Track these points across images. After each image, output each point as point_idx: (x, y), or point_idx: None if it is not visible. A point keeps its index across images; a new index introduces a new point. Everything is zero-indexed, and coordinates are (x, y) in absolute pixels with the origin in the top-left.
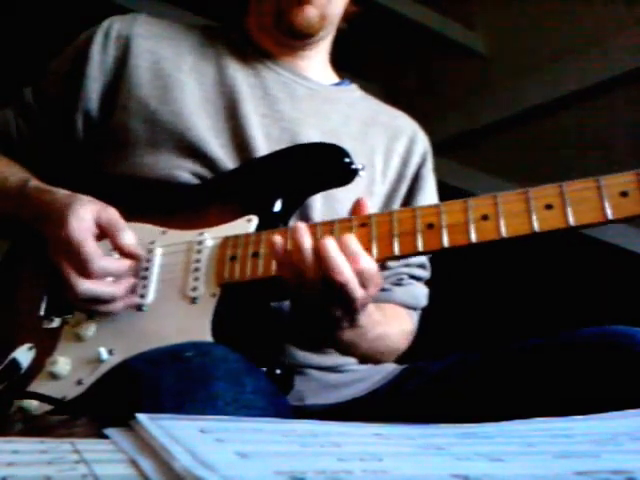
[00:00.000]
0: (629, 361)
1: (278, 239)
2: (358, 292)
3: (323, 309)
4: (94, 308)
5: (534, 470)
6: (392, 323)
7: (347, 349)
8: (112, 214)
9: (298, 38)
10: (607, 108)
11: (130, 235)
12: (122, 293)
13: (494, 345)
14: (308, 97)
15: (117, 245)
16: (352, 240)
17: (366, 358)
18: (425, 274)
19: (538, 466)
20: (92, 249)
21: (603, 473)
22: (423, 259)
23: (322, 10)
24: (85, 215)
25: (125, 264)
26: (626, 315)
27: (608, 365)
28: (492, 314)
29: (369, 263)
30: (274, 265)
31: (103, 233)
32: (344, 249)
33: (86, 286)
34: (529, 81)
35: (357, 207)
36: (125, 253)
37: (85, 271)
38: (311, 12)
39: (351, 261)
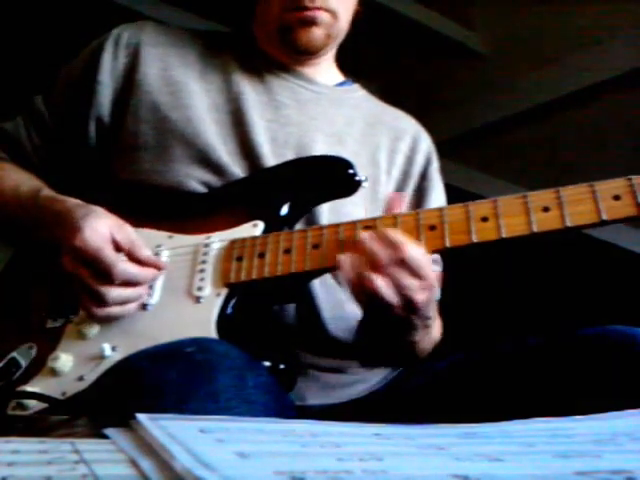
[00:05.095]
0: (629, 361)
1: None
2: (407, 280)
3: (388, 310)
4: (113, 313)
5: (534, 470)
6: (437, 327)
7: (412, 351)
8: (130, 231)
9: (303, 55)
10: (607, 108)
11: (149, 251)
12: (145, 295)
13: (494, 345)
14: (314, 101)
15: (139, 259)
16: (391, 230)
17: (412, 358)
18: (438, 268)
19: (538, 466)
20: (112, 254)
21: (603, 473)
22: (436, 255)
23: (328, 29)
24: (102, 227)
25: (148, 271)
26: (626, 315)
27: (608, 365)
28: (492, 314)
29: (414, 250)
30: (280, 266)
31: (119, 248)
32: (382, 239)
33: (115, 292)
34: (529, 81)
35: (391, 203)
36: (148, 265)
37: (107, 276)
38: (316, 33)
39: (394, 249)
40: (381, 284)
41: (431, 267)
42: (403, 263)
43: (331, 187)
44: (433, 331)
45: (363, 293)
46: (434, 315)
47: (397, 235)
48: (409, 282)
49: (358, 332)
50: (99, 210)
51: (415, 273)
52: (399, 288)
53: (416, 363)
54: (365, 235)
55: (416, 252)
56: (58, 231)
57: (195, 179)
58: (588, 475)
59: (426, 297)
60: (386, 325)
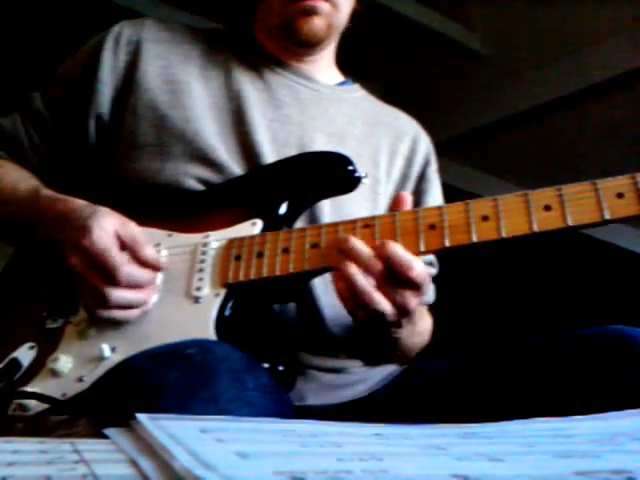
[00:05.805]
0: (629, 361)
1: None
2: (405, 292)
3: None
4: (115, 316)
5: (534, 470)
6: (423, 318)
7: (398, 349)
8: (133, 228)
9: (305, 47)
10: (607, 108)
11: (152, 249)
12: (149, 299)
13: (494, 345)
14: (314, 100)
15: (140, 258)
16: (391, 245)
17: (401, 356)
18: (433, 271)
19: (538, 466)
20: (118, 256)
21: (603, 473)
22: (431, 257)
23: (329, 19)
24: (107, 226)
25: (150, 274)
26: (626, 315)
27: (608, 365)
28: (492, 314)
29: (421, 266)
30: (279, 265)
31: (124, 246)
32: (394, 257)
33: (118, 294)
34: (529, 81)
35: (398, 203)
36: (148, 266)
37: (112, 278)
38: (318, 22)
39: (406, 269)
40: (380, 299)
41: (424, 269)
42: (406, 281)
43: (330, 184)
44: (420, 325)
45: (358, 306)
46: (420, 310)
47: (398, 251)
48: (406, 293)
49: (355, 330)
50: (104, 209)
51: (415, 287)
52: (396, 299)
53: (408, 361)
54: (364, 249)
55: (420, 269)
56: (62, 231)
57: (192, 177)
58: (588, 475)
59: (418, 301)
60: (372, 325)
